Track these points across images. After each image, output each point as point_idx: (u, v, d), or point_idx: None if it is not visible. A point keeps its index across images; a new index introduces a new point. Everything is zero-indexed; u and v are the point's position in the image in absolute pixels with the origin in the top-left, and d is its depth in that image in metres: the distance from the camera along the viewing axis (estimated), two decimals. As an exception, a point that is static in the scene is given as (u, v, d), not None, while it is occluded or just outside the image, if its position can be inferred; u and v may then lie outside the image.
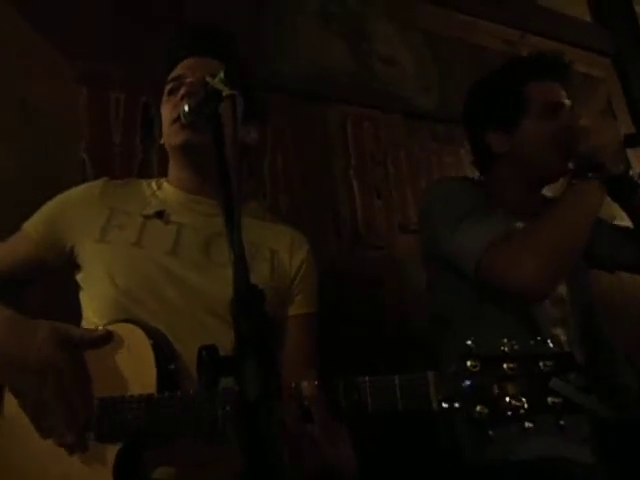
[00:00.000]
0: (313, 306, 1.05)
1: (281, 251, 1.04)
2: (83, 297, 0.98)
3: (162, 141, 1.10)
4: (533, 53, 1.26)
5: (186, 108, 0.79)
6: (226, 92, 0.67)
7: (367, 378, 0.71)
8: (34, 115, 1.31)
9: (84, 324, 0.94)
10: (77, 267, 0.98)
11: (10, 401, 0.82)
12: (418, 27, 2.07)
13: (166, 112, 1.03)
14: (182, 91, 0.98)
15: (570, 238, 0.98)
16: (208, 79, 0.70)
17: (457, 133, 1.98)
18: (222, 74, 0.69)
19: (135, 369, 0.79)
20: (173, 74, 1.05)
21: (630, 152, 1.10)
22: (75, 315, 0.97)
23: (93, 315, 0.92)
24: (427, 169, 1.90)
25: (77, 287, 1.00)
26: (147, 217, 0.99)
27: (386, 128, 1.87)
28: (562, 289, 1.15)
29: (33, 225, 1.00)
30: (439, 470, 1.12)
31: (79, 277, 0.98)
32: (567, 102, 1.18)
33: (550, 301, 1.11)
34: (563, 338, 1.11)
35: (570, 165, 1.11)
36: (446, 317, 1.18)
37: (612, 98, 2.51)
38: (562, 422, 0.63)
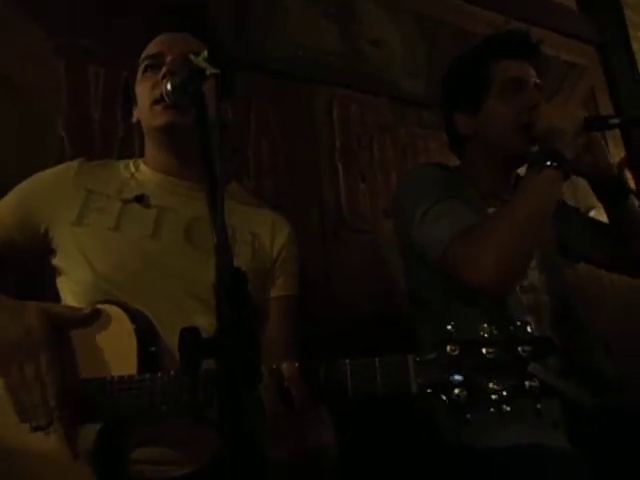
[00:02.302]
0: (294, 289, 1.05)
1: (262, 234, 1.04)
2: (61, 282, 0.96)
3: (135, 120, 1.08)
4: (499, 32, 1.25)
5: (169, 87, 0.77)
6: (210, 71, 0.66)
7: (347, 361, 0.72)
8: (10, 91, 1.27)
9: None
10: (52, 251, 0.96)
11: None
12: (408, 10, 2.05)
13: (144, 91, 1.00)
14: (164, 70, 0.96)
15: (526, 232, 0.96)
16: (192, 57, 0.68)
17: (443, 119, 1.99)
18: (205, 52, 0.68)
19: (116, 350, 0.79)
20: (149, 51, 1.02)
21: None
22: (52, 299, 0.96)
23: (73, 300, 0.91)
24: (413, 154, 1.89)
25: (53, 272, 0.98)
26: (126, 201, 0.97)
27: (373, 112, 1.86)
28: (535, 277, 1.15)
29: (4, 206, 0.97)
30: (418, 450, 1.15)
31: (55, 261, 0.96)
32: (533, 80, 1.16)
33: (520, 289, 1.11)
34: (532, 326, 1.12)
35: (534, 149, 1.07)
36: (422, 299, 1.19)
37: (595, 86, 2.53)
38: (539, 406, 0.64)
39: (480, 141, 1.19)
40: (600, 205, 1.29)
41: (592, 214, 2.23)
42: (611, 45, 2.65)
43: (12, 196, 0.98)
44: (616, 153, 2.43)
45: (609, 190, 1.21)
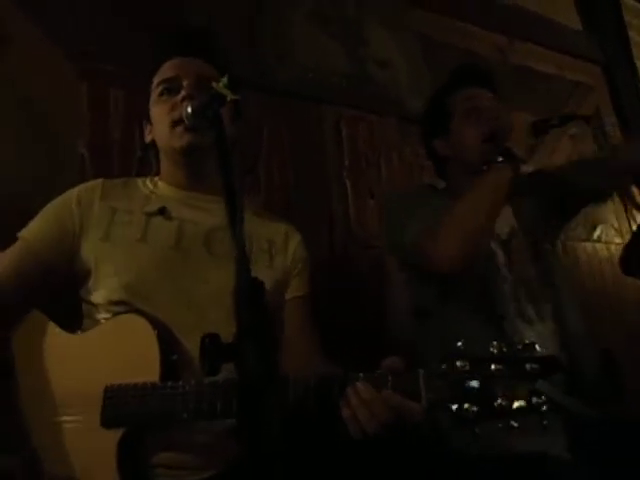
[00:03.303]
0: (307, 287, 1.11)
1: (277, 242, 1.10)
2: (87, 295, 0.98)
3: (148, 140, 1.14)
4: (455, 68, 1.44)
5: (189, 110, 0.82)
6: (230, 97, 0.71)
7: (361, 374, 0.75)
8: (35, 112, 1.34)
9: (87, 322, 0.96)
10: (79, 266, 0.98)
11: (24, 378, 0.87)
12: (413, 32, 2.11)
13: (162, 113, 1.05)
14: (183, 93, 1.01)
15: (476, 220, 1.10)
16: (213, 84, 0.73)
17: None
18: (225, 79, 0.73)
19: (140, 359, 0.82)
20: (164, 75, 1.07)
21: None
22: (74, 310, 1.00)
23: (99, 312, 0.94)
24: (419, 172, 1.94)
25: (76, 285, 1.00)
26: (149, 214, 1.01)
27: (380, 131, 1.91)
28: (530, 268, 1.26)
29: (31, 231, 0.99)
30: (421, 456, 1.16)
31: (82, 275, 0.98)
32: (486, 99, 1.33)
33: (517, 281, 1.23)
34: (529, 314, 1.20)
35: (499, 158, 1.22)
36: (423, 312, 1.27)
37: (601, 105, 2.57)
38: (546, 422, 0.66)
39: (455, 159, 1.37)
40: (605, 222, 1.35)
41: (598, 231, 2.27)
42: (616, 64, 2.69)
43: (39, 219, 1.00)
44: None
45: None
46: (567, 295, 1.28)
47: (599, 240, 2.26)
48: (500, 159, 1.15)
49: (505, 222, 1.31)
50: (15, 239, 0.99)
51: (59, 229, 0.98)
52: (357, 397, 0.73)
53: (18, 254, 0.97)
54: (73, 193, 1.03)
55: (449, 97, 1.37)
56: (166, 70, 1.08)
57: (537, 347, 0.71)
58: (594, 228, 2.26)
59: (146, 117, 1.14)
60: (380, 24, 2.05)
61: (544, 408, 0.66)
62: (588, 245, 2.24)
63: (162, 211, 1.02)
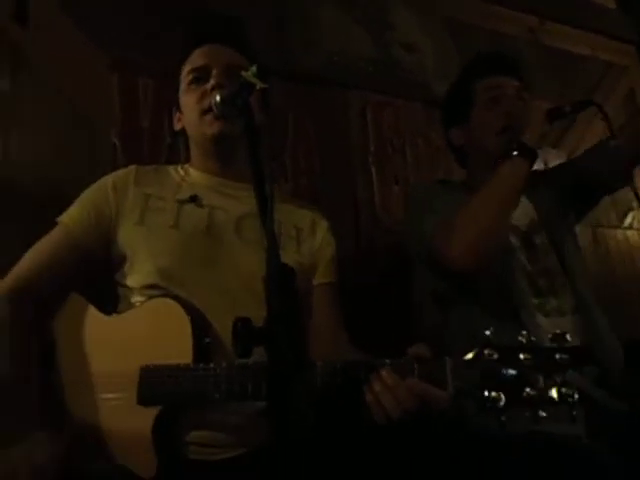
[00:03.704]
0: (334, 276, 1.12)
1: (305, 228, 1.11)
2: (122, 278, 1.01)
3: (178, 127, 1.15)
4: (479, 53, 1.40)
5: (218, 99, 0.83)
6: (260, 86, 0.72)
7: (387, 360, 0.76)
8: (69, 104, 1.37)
9: (123, 304, 0.99)
10: (116, 250, 1.01)
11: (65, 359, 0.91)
12: (439, 14, 2.07)
13: (192, 101, 1.06)
14: (212, 82, 1.03)
15: (490, 217, 1.09)
16: (243, 73, 0.74)
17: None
18: (254, 68, 0.74)
19: (173, 341, 0.85)
20: (194, 63, 1.09)
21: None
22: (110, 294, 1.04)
23: (134, 295, 0.97)
24: (446, 156, 1.91)
25: (112, 269, 1.04)
26: (181, 202, 1.04)
27: (406, 115, 1.89)
28: (552, 261, 1.24)
29: (71, 217, 1.02)
30: (441, 438, 1.17)
31: (118, 259, 1.01)
32: (511, 89, 1.29)
33: (538, 273, 1.22)
34: (550, 307, 1.19)
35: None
36: (444, 300, 1.26)
37: (635, 87, 2.48)
38: (575, 413, 0.66)
39: (471, 148, 1.37)
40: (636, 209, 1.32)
41: (629, 218, 2.21)
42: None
43: (77, 205, 1.04)
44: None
45: None
46: (589, 288, 1.25)
47: (630, 227, 2.21)
48: (515, 153, 1.13)
49: (525, 215, 1.30)
50: (52, 225, 1.03)
51: (96, 214, 1.02)
52: (380, 383, 0.74)
53: (57, 239, 1.01)
54: (108, 180, 1.06)
55: (472, 84, 1.34)
56: (196, 58, 1.09)
57: (568, 337, 0.70)
58: (625, 215, 2.21)
59: (176, 105, 1.16)
60: (406, 7, 2.02)
61: (574, 399, 0.66)
62: (619, 232, 2.19)
63: (193, 199, 1.05)
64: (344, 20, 1.88)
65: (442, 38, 2.06)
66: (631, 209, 2.20)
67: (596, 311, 1.22)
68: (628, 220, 2.21)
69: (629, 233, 2.20)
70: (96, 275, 1.04)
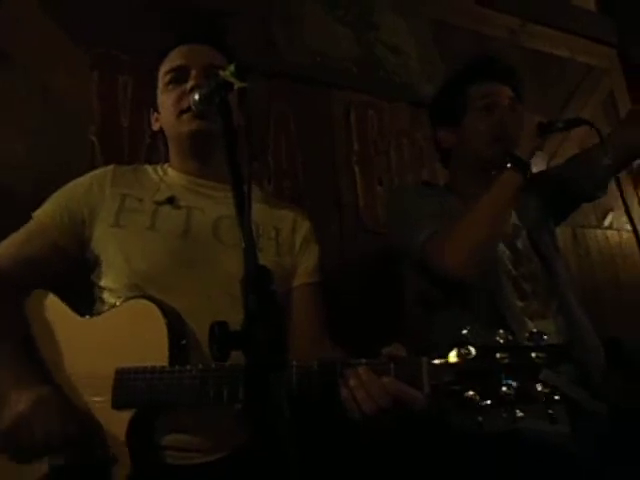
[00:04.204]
0: (316, 276, 1.10)
1: (285, 229, 1.10)
2: (96, 278, 1.00)
3: (156, 128, 1.14)
4: (476, 58, 1.40)
5: (196, 97, 0.82)
6: (238, 85, 0.71)
7: (364, 360, 0.76)
8: (49, 100, 1.35)
9: (98, 306, 0.98)
10: (91, 251, 1.00)
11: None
12: (423, 15, 2.08)
13: (171, 101, 1.05)
14: (191, 83, 1.02)
15: (486, 230, 1.11)
16: (220, 72, 0.73)
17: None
18: (232, 67, 0.73)
19: (149, 343, 0.84)
20: (172, 63, 1.07)
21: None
22: (86, 295, 1.02)
23: (109, 296, 0.96)
24: (430, 158, 1.92)
25: (88, 270, 1.02)
26: (158, 203, 1.03)
27: (390, 116, 1.89)
28: (535, 264, 1.27)
29: (45, 213, 1.01)
30: (423, 436, 1.17)
31: (94, 261, 1.00)
32: (506, 98, 1.30)
33: (522, 277, 1.24)
34: (534, 309, 1.20)
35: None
36: (428, 301, 1.27)
37: (615, 89, 2.52)
38: (551, 412, 0.66)
39: (460, 152, 1.37)
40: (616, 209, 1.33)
41: (609, 218, 2.24)
42: (631, 47, 2.62)
43: (53, 201, 1.03)
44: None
45: None
46: (571, 290, 1.27)
47: (610, 227, 2.24)
48: (508, 165, 1.14)
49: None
50: (26, 222, 1.02)
51: (69, 215, 1.01)
52: (356, 378, 0.74)
53: (28, 232, 1.00)
54: (85, 180, 1.05)
55: (467, 88, 1.33)
56: (174, 58, 1.08)
57: (544, 336, 0.71)
58: (605, 215, 2.24)
59: (153, 105, 1.14)
60: (391, 8, 2.02)
61: (549, 397, 0.66)
62: (599, 232, 2.22)
63: (171, 200, 1.03)
64: (328, 20, 1.88)
65: (426, 39, 2.07)
66: (611, 210, 2.24)
67: (578, 313, 1.24)
68: (608, 220, 2.25)
69: (609, 233, 2.24)
70: (72, 274, 1.03)
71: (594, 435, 1.06)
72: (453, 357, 0.71)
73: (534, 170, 1.20)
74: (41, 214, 1.01)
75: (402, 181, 1.84)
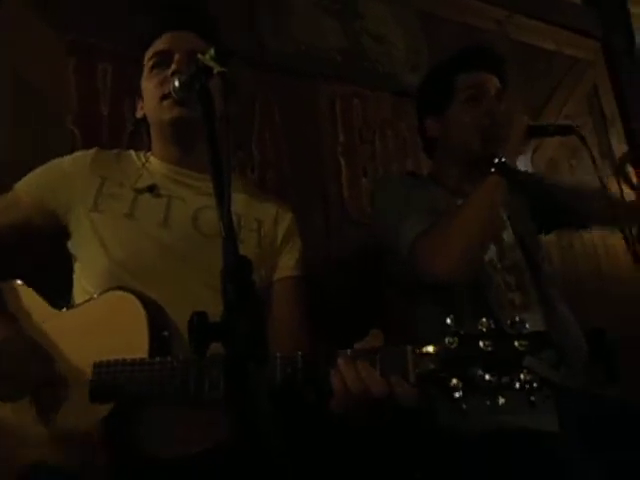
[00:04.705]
0: (298, 269, 1.09)
1: (267, 221, 1.08)
2: (77, 268, 0.99)
3: (139, 115, 1.13)
4: (467, 47, 1.38)
5: (176, 84, 0.80)
6: (217, 69, 0.69)
7: (348, 350, 0.75)
8: (25, 87, 1.31)
9: (77, 293, 0.96)
10: (68, 234, 1.00)
11: None
12: (409, 5, 2.07)
13: (152, 87, 1.04)
14: (173, 67, 1.00)
15: (474, 232, 1.09)
16: (199, 56, 0.71)
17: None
18: (212, 51, 0.71)
19: (129, 334, 0.82)
20: (156, 48, 1.06)
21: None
22: (64, 283, 1.00)
23: (87, 284, 0.94)
24: (414, 148, 1.92)
25: (67, 255, 1.01)
26: (139, 191, 1.01)
27: (375, 106, 1.88)
28: (518, 256, 1.27)
29: (25, 187, 1.01)
30: (412, 431, 1.18)
31: (71, 245, 1.00)
32: (493, 89, 1.29)
33: (506, 269, 1.23)
34: (518, 301, 1.21)
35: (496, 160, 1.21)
36: (417, 294, 1.26)
37: (598, 82, 2.53)
38: (533, 398, 0.66)
39: (445, 142, 1.34)
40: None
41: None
42: (615, 40, 2.64)
43: (30, 178, 1.02)
44: (619, 148, 2.45)
45: None
46: (553, 282, 1.28)
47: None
48: (492, 169, 1.12)
49: None
50: None
51: (47, 195, 1.01)
52: (348, 364, 0.73)
53: (5, 202, 1.01)
54: (66, 160, 1.05)
55: (453, 76, 1.31)
56: (159, 44, 1.07)
57: (526, 325, 0.71)
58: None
59: (138, 92, 1.12)
60: (377, -3, 2.00)
61: (531, 384, 0.66)
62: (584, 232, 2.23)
63: (151, 188, 1.02)
64: (314, 9, 1.85)
65: (412, 29, 2.06)
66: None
67: (560, 305, 1.25)
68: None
69: (593, 233, 2.25)
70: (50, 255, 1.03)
71: (577, 416, 1.08)
72: (437, 346, 0.71)
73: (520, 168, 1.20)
74: (20, 189, 1.02)
75: (387, 171, 1.83)
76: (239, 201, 1.02)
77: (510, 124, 1.17)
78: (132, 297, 0.84)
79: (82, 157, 1.06)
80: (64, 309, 0.92)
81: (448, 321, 0.72)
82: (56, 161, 1.05)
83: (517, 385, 0.67)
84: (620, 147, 2.47)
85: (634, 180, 2.33)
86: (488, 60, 1.33)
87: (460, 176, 1.31)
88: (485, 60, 1.33)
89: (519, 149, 1.17)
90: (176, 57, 1.02)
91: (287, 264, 1.08)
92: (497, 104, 1.26)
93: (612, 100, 2.54)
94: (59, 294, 0.96)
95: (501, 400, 0.67)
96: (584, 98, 2.44)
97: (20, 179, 1.05)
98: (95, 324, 0.85)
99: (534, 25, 2.39)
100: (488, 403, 0.67)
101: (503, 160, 1.12)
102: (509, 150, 1.14)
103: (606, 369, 1.42)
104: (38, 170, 1.03)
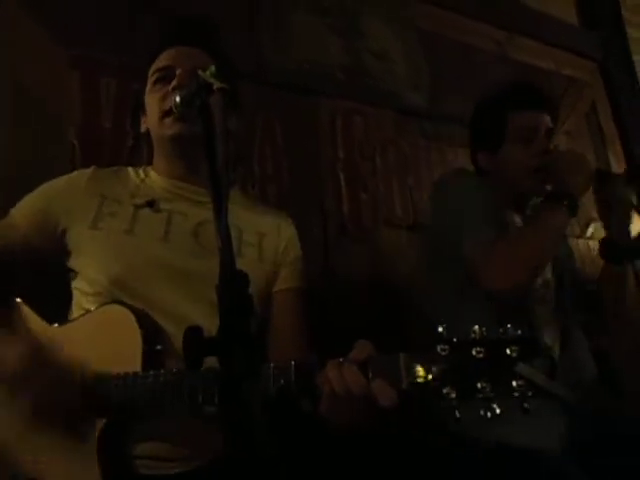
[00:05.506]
0: (299, 281, 1.09)
1: (268, 234, 1.09)
2: (75, 283, 0.98)
3: (143, 129, 1.13)
4: (516, 83, 1.41)
5: (177, 99, 0.81)
6: (217, 85, 0.70)
7: (341, 360, 0.74)
8: (27, 100, 1.32)
9: (75, 310, 0.96)
10: (68, 253, 0.99)
11: None
12: (412, 25, 2.09)
13: (154, 102, 1.04)
14: (174, 83, 1.00)
15: (537, 254, 1.13)
16: (200, 72, 0.72)
17: (445, 131, 2.02)
18: (213, 68, 0.72)
19: (123, 349, 0.82)
20: (159, 64, 1.07)
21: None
22: (63, 300, 0.99)
23: (85, 301, 0.94)
24: (414, 165, 1.93)
25: (65, 273, 1.01)
26: (138, 206, 1.01)
27: (376, 123, 1.89)
28: (549, 274, 1.32)
29: (21, 211, 1.00)
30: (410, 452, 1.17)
31: (71, 264, 0.99)
32: (544, 128, 1.32)
33: (539, 285, 1.28)
34: (547, 316, 1.26)
35: (547, 187, 1.26)
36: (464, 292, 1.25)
37: (596, 102, 2.56)
38: (526, 405, 0.65)
39: (497, 176, 1.36)
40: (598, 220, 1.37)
41: (591, 228, 2.28)
42: (613, 61, 2.68)
43: (28, 200, 1.02)
44: (618, 168, 2.47)
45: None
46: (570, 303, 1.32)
47: (592, 237, 2.27)
48: (565, 202, 1.14)
49: None
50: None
51: (44, 217, 0.99)
52: (334, 367, 0.73)
53: (2, 226, 1.00)
54: (62, 181, 1.04)
55: (507, 114, 1.33)
56: (162, 59, 1.07)
57: (519, 330, 0.71)
58: (587, 225, 2.27)
59: (142, 106, 1.13)
60: (378, 16, 2.03)
61: (524, 391, 0.65)
62: (581, 242, 2.24)
63: (150, 204, 1.02)
64: (316, 26, 1.88)
65: (413, 48, 2.09)
66: (592, 220, 2.26)
67: (574, 326, 1.28)
68: (590, 230, 2.28)
69: (591, 243, 2.26)
70: (49, 274, 1.02)
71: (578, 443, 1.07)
72: (430, 353, 0.71)
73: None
74: (16, 213, 1.01)
75: (387, 187, 1.84)
76: (240, 215, 1.02)
77: (577, 165, 1.20)
78: (126, 311, 0.84)
79: (78, 177, 1.05)
80: (56, 325, 0.92)
81: (440, 329, 0.72)
82: (50, 183, 1.04)
83: (510, 392, 0.66)
84: (619, 165, 2.49)
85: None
86: (539, 98, 1.35)
87: (510, 209, 1.36)
88: (536, 99, 1.35)
89: (584, 191, 1.20)
90: (178, 72, 1.02)
91: (287, 277, 1.07)
92: (547, 143, 1.30)
93: (610, 120, 2.57)
94: (58, 311, 0.96)
95: (495, 407, 0.66)
96: (583, 117, 2.47)
97: (21, 192, 1.05)
98: (90, 338, 0.85)
99: (533, 46, 2.42)
100: (482, 412, 0.67)
101: (575, 197, 1.15)
102: (578, 193, 1.17)
103: (611, 391, 1.42)
104: (32, 194, 1.03)
